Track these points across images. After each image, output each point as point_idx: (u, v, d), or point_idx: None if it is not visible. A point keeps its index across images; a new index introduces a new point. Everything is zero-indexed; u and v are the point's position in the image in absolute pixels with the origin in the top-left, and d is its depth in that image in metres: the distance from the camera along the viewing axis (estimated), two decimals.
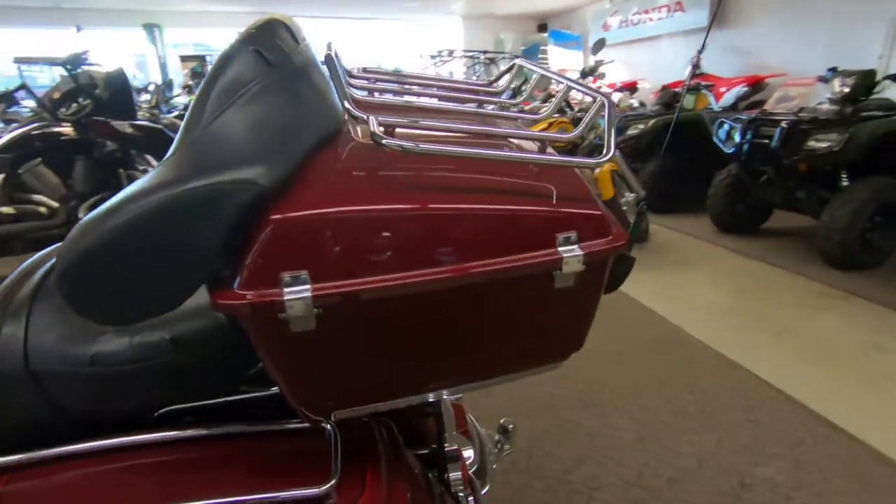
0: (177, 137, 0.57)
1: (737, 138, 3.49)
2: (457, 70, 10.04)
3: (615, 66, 8.46)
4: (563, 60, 9.80)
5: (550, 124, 3.40)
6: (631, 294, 2.93)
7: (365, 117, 0.62)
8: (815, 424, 1.82)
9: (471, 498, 1.01)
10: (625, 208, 3.75)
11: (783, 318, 2.63)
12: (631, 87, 7.30)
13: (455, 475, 0.86)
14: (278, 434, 0.76)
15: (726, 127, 3.63)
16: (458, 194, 0.61)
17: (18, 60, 5.08)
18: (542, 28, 11.19)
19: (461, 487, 0.86)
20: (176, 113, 5.06)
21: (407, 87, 1.06)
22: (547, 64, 10.65)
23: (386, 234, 0.57)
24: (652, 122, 4.56)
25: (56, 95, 3.58)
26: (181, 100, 6.05)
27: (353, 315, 0.59)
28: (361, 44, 11.32)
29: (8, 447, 0.65)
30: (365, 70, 1.04)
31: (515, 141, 0.78)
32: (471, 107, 0.94)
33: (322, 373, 0.64)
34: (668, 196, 4.58)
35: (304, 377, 0.63)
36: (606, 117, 0.68)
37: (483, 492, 1.14)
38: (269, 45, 0.61)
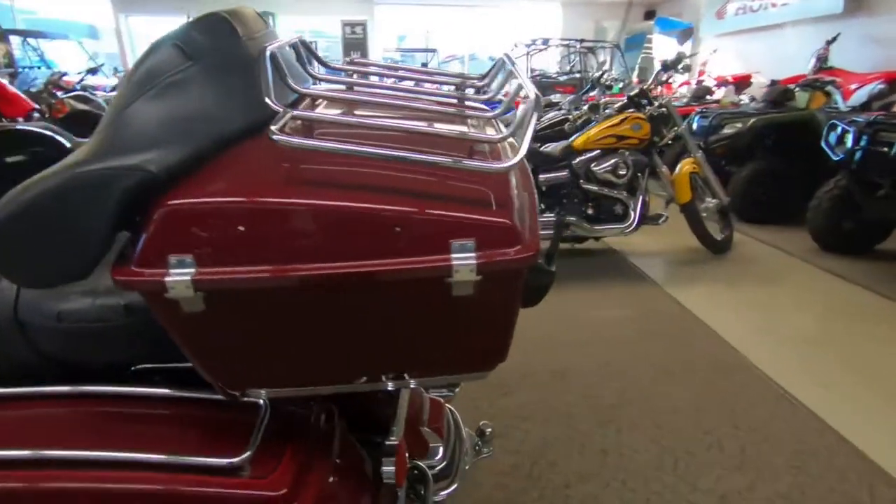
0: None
1: (848, 144, 3.02)
2: (552, 60, 9.72)
3: (727, 57, 7.69)
4: (668, 51, 9.09)
5: (624, 119, 3.19)
6: (692, 308, 2.69)
7: (281, 111, 0.64)
8: (878, 485, 1.56)
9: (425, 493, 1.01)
10: (704, 215, 3.44)
11: (875, 358, 2.26)
12: (743, 82, 6.61)
13: (387, 469, 0.86)
14: (213, 403, 0.80)
15: (838, 130, 3.16)
16: (352, 193, 0.60)
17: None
18: (650, 15, 10.44)
19: (391, 481, 0.86)
20: None
21: (384, 79, 1.06)
22: (651, 55, 9.95)
23: (269, 226, 0.58)
24: (752, 121, 4.09)
25: None
26: None
27: (244, 301, 0.61)
28: (461, 32, 11.36)
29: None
30: (352, 62, 1.06)
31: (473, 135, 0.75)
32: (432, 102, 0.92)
33: (223, 352, 0.67)
34: (764, 205, 4.10)
35: (206, 354, 0.67)
36: (527, 116, 0.62)
37: (448, 490, 1.13)
38: (193, 39, 0.64)
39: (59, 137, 3.19)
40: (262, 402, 0.78)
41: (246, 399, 0.77)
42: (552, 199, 3.21)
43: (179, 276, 0.56)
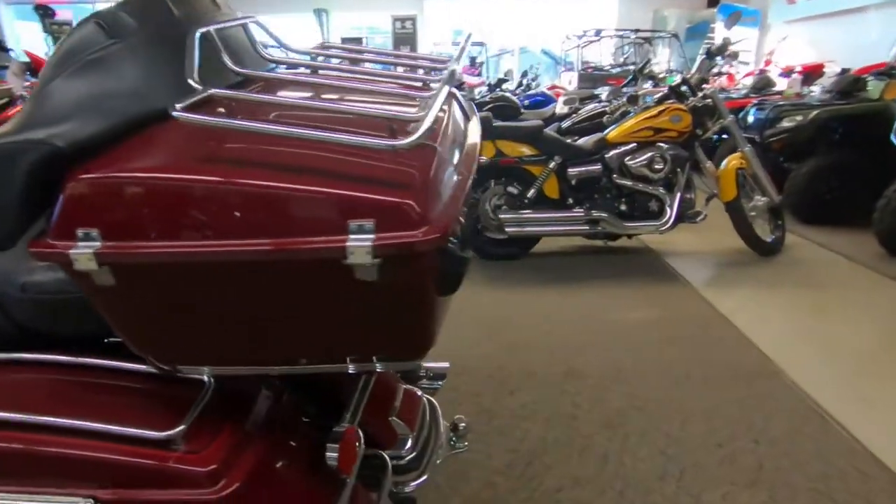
0: None
1: None
2: (606, 52, 9.36)
3: (798, 45, 7.10)
4: (732, 39, 8.51)
5: (662, 111, 3.02)
6: (726, 312, 2.51)
7: (200, 90, 0.64)
8: None
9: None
10: (752, 214, 3.20)
11: None
12: (814, 72, 6.08)
13: (330, 454, 0.85)
14: (162, 378, 0.83)
15: None
16: (255, 171, 0.60)
17: None
18: (714, 2, 9.81)
19: (334, 465, 0.85)
20: None
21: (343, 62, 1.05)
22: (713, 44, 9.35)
23: (171, 203, 0.58)
24: (814, 113, 3.75)
25: None
26: None
27: (153, 277, 0.62)
28: (513, 25, 11.19)
29: None
30: (322, 46, 1.05)
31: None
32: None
33: (144, 326, 0.69)
34: (826, 204, 3.76)
35: (127, 328, 0.69)
36: (439, 93, 0.59)
37: (417, 482, 1.11)
38: (118, 18, 0.65)
39: None
40: (205, 378, 0.80)
41: (189, 376, 0.79)
42: (582, 194, 3.10)
43: (84, 249, 0.58)
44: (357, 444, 0.93)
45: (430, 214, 0.58)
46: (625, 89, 4.03)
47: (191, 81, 0.65)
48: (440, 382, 1.43)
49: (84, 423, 0.73)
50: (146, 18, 0.69)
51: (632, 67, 7.09)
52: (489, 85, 5.85)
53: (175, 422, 0.75)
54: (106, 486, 0.75)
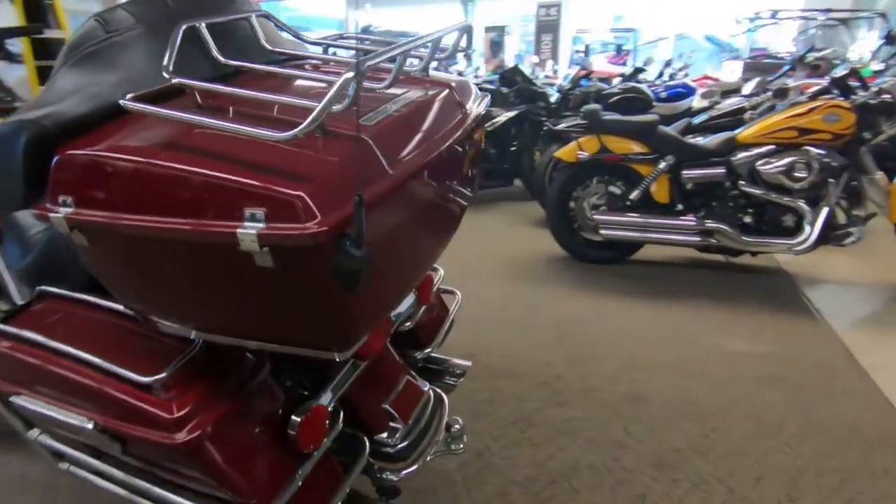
0: None
1: None
2: (786, 36, 8.03)
3: None
4: None
5: (814, 108, 2.51)
6: (861, 358, 2.03)
7: (168, 80, 0.71)
8: None
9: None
10: None
11: None
12: None
13: (292, 423, 0.89)
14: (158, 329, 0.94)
15: None
16: (185, 156, 0.64)
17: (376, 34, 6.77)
18: None
19: (293, 433, 0.89)
20: None
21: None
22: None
23: (119, 180, 0.66)
24: None
25: None
26: (458, 68, 6.78)
27: (111, 242, 0.71)
28: (674, 6, 10.19)
29: None
30: (340, 36, 1.08)
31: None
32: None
33: (119, 283, 0.79)
34: None
35: (109, 283, 0.79)
36: (341, 84, 0.57)
37: (404, 472, 1.12)
38: (116, 15, 0.74)
39: None
40: (192, 337, 0.89)
41: (174, 333, 0.89)
42: (698, 201, 2.73)
43: (59, 213, 0.68)
44: (326, 422, 0.96)
45: (322, 209, 0.57)
46: (776, 81, 3.41)
47: (164, 73, 0.72)
48: (457, 380, 1.41)
49: (93, 357, 0.88)
50: (144, 14, 0.79)
51: (817, 55, 5.98)
52: (622, 75, 5.41)
53: (158, 370, 0.85)
54: (103, 413, 0.89)
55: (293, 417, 0.92)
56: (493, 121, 4.02)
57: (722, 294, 2.63)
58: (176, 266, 0.71)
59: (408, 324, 1.29)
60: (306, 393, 1.03)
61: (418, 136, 0.79)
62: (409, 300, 1.24)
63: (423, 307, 1.32)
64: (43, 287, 1.08)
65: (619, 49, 8.88)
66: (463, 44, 0.92)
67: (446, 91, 0.94)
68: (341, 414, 1.04)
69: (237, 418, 0.89)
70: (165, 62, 0.71)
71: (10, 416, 1.04)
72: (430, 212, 0.92)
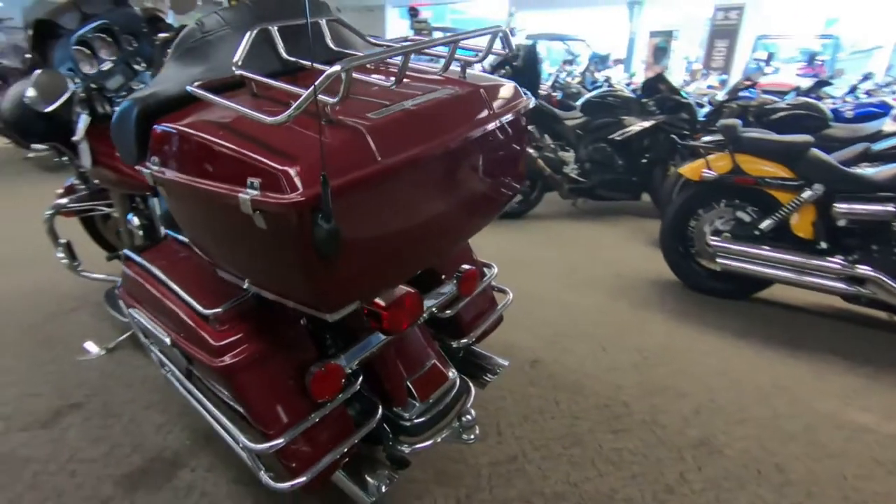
0: None
1: None
2: None
3: None
4: None
5: None
6: None
7: (233, 73, 0.88)
8: None
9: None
10: None
11: None
12: None
13: (308, 376, 1.03)
14: None
15: None
16: (217, 131, 0.80)
17: (528, 37, 7.01)
18: None
19: (307, 382, 1.03)
20: (600, 86, 5.50)
21: None
22: None
23: (172, 147, 0.86)
24: None
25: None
26: (611, 73, 6.48)
27: (177, 195, 0.91)
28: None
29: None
30: (406, 40, 1.17)
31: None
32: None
33: (187, 232, 1.00)
34: None
35: (183, 232, 1.01)
36: (328, 76, 0.66)
37: (414, 446, 1.21)
38: (210, 20, 0.94)
39: None
40: (245, 286, 1.08)
41: (232, 280, 1.09)
42: (852, 241, 2.29)
43: (149, 169, 0.90)
44: (342, 380, 1.08)
45: (304, 184, 0.67)
46: None
47: (233, 67, 0.89)
48: (490, 377, 1.43)
49: (178, 288, 1.12)
50: (232, 18, 0.97)
51: None
52: (797, 89, 4.66)
53: (216, 307, 1.06)
54: (177, 332, 1.12)
55: (311, 368, 1.05)
56: (624, 130, 3.81)
57: (863, 356, 2.18)
58: (213, 220, 0.88)
59: (448, 312, 1.36)
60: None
61: (423, 132, 0.85)
62: (448, 290, 1.31)
63: (466, 300, 1.37)
64: (168, 230, 1.37)
65: (811, 58, 7.62)
66: (498, 48, 0.95)
67: (473, 93, 0.98)
68: (360, 377, 1.15)
69: (268, 359, 1.05)
70: (236, 58, 0.88)
71: (133, 324, 1.35)
72: (437, 202, 0.97)
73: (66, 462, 1.55)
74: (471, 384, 1.34)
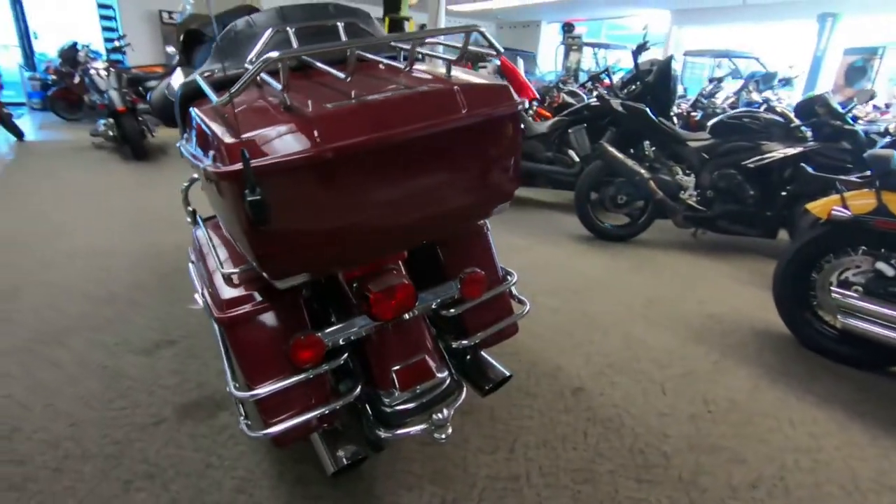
0: None
1: None
2: None
3: None
4: None
5: None
6: None
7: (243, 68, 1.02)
8: None
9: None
10: None
11: None
12: None
13: (294, 336, 1.13)
14: None
15: None
16: (210, 112, 0.94)
17: (687, 53, 6.71)
18: None
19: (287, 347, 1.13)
20: (757, 107, 4.88)
21: None
22: None
23: (195, 125, 1.01)
24: None
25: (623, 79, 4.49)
26: (784, 94, 5.64)
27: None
28: None
29: None
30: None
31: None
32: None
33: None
34: None
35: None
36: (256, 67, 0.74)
37: (387, 434, 1.24)
38: (240, 21, 1.09)
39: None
40: None
41: None
42: None
43: (180, 144, 1.08)
44: (321, 351, 1.17)
45: (231, 157, 0.77)
46: None
47: (247, 63, 1.03)
48: (490, 384, 1.39)
49: (216, 250, 1.31)
50: (262, 20, 1.11)
51: None
52: None
53: (237, 267, 1.22)
54: (207, 286, 1.31)
55: (295, 335, 1.15)
56: (761, 157, 3.32)
57: None
58: (209, 190, 1.02)
59: (452, 311, 1.36)
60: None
61: (373, 124, 0.88)
62: (449, 290, 1.31)
63: (471, 303, 1.36)
64: None
65: None
66: (481, 47, 0.94)
67: (446, 91, 0.98)
68: (346, 353, 1.22)
69: (264, 320, 1.18)
70: (251, 55, 1.02)
71: (190, 277, 1.60)
72: (393, 193, 0.99)
73: (150, 384, 1.89)
74: (464, 387, 1.33)
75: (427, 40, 1.14)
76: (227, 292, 1.19)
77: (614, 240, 3.68)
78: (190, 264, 1.49)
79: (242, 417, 1.18)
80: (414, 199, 1.02)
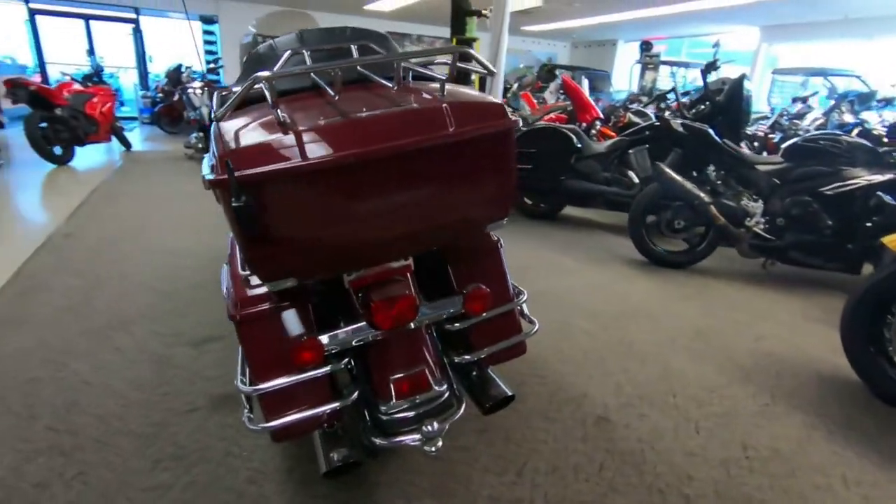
0: None
1: None
2: None
3: None
4: None
5: None
6: None
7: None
8: None
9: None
10: None
11: None
12: None
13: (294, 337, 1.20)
14: None
15: None
16: (226, 124, 1.02)
17: (776, 72, 6.43)
18: None
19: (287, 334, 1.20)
20: (850, 130, 4.46)
21: None
22: None
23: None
24: None
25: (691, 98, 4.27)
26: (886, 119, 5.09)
27: None
28: None
29: None
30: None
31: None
32: None
33: None
34: None
35: None
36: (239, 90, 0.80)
37: (379, 440, 1.27)
38: (264, 44, 1.18)
39: (573, 136, 4.27)
40: None
41: None
42: None
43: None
44: (319, 354, 1.22)
45: (221, 168, 0.84)
46: None
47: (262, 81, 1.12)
48: (490, 404, 1.37)
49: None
50: (283, 43, 1.20)
51: None
52: None
53: None
54: (230, 286, 1.41)
55: (297, 337, 1.22)
56: (842, 184, 3.02)
57: None
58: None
59: (456, 325, 1.37)
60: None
61: (361, 140, 0.92)
62: (452, 304, 1.32)
63: (475, 319, 1.36)
64: None
65: None
66: (476, 66, 0.96)
67: (434, 109, 1.00)
68: (346, 358, 1.27)
69: (274, 321, 1.26)
70: (267, 74, 1.11)
71: (221, 277, 1.72)
72: (380, 206, 1.02)
73: (193, 375, 2.05)
74: (463, 402, 1.32)
75: (437, 60, 1.18)
76: (243, 293, 1.28)
77: (670, 266, 3.49)
78: (223, 266, 1.62)
79: (247, 410, 1.26)
80: (398, 213, 1.04)
